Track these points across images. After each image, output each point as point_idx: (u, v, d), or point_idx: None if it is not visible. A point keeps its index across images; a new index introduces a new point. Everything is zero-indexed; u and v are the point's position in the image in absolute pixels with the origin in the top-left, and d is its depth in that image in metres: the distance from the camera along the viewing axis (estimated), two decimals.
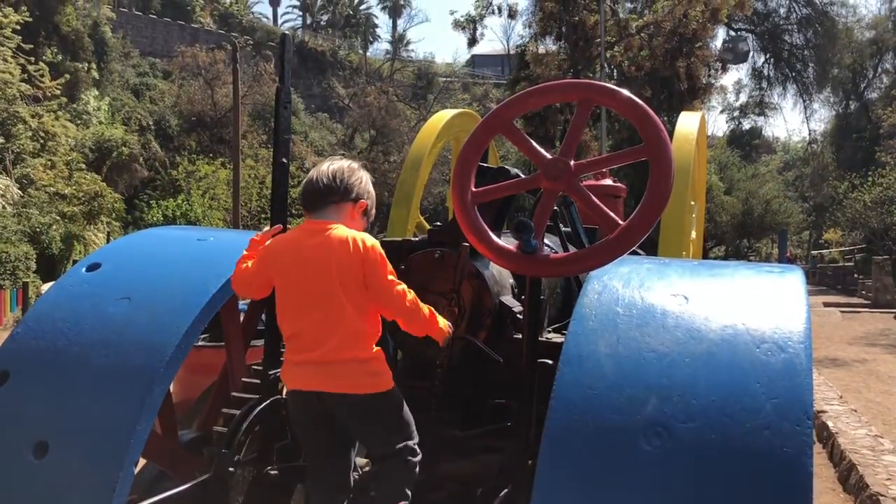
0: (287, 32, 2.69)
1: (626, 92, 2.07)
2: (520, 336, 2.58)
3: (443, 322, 2.38)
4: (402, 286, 2.28)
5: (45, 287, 20.97)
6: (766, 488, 1.66)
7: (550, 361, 2.34)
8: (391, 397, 2.30)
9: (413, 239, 2.94)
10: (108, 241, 25.44)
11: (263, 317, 2.79)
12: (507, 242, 2.17)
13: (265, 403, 2.37)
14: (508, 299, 2.67)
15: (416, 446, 2.34)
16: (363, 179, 2.47)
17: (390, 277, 2.26)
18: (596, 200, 2.02)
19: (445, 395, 2.62)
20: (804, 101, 45.99)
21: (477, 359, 2.62)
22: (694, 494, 1.70)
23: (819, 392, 9.96)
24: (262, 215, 29.62)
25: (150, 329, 2.29)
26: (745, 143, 53.06)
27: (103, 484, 2.05)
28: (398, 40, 69.08)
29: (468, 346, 2.58)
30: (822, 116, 52.17)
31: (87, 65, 36.66)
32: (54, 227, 22.32)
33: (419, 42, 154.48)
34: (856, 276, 34.80)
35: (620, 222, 1.97)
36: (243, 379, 2.65)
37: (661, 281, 2.21)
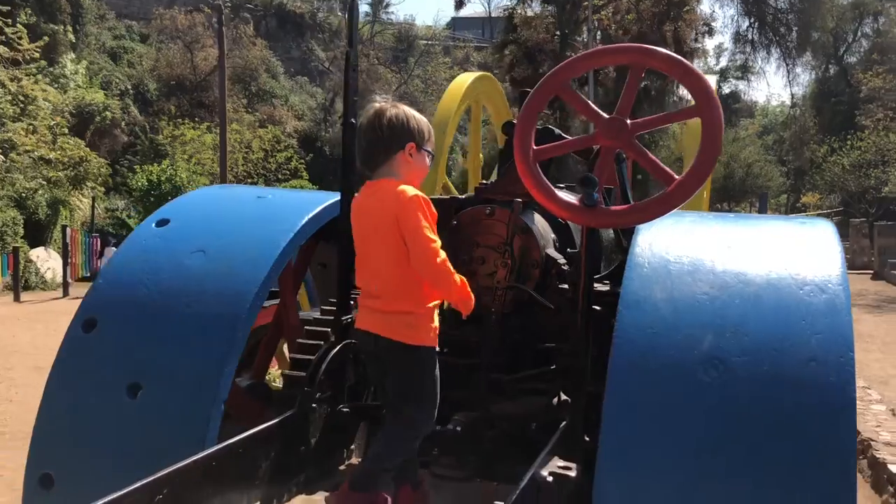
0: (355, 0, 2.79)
1: (678, 57, 2.24)
2: (565, 286, 2.77)
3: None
4: (436, 245, 2.22)
5: (34, 252, 20.94)
6: (814, 413, 1.87)
7: (599, 308, 2.54)
8: (421, 356, 2.29)
9: (460, 196, 3.11)
10: (92, 205, 25.31)
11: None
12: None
13: (339, 347, 2.55)
14: (552, 252, 2.85)
15: (420, 427, 2.32)
16: (399, 118, 2.34)
17: (425, 232, 2.21)
18: (652, 156, 2.20)
19: (495, 341, 2.81)
20: (787, 65, 46.30)
21: (525, 307, 2.81)
22: (748, 419, 1.90)
23: None
24: (249, 180, 29.55)
25: (228, 280, 2.45)
26: (726, 108, 53.33)
27: (198, 419, 2.23)
28: (378, 2, 68.29)
29: (518, 294, 2.76)
30: (802, 80, 52.47)
31: (63, 27, 35.97)
32: (40, 192, 22.17)
33: (399, 4, 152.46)
34: None
35: (676, 177, 2.15)
36: (311, 326, 2.83)
37: (706, 231, 2.41)
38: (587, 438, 2.29)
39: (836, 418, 1.86)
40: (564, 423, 2.35)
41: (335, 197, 2.93)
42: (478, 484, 2.54)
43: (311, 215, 2.73)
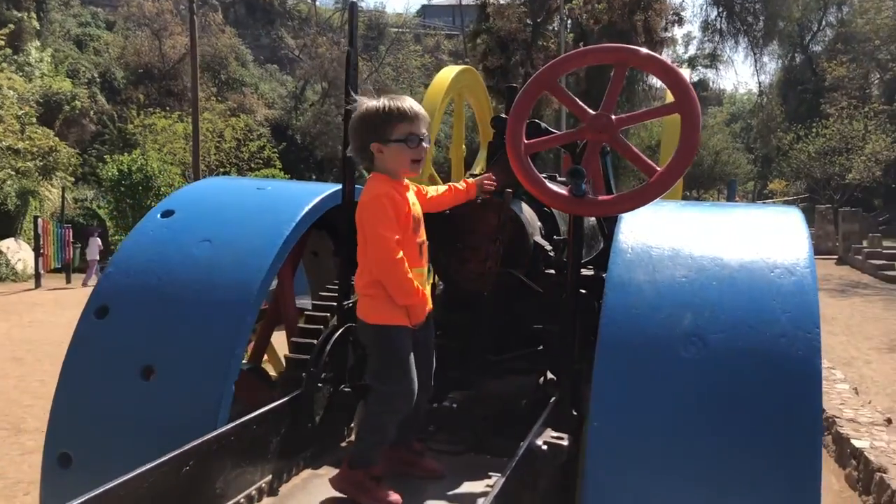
0: (355, 0, 2.92)
1: (659, 56, 2.41)
2: (551, 271, 2.94)
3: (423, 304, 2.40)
4: (387, 245, 2.28)
5: (4, 243, 20.70)
6: (784, 383, 2.06)
7: (584, 291, 2.71)
8: (383, 333, 2.36)
9: None
10: (62, 196, 25.03)
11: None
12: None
13: (340, 330, 2.70)
14: (539, 239, 3.01)
15: (393, 402, 2.36)
16: (357, 122, 2.40)
17: (377, 232, 2.29)
18: (636, 149, 2.37)
19: (486, 324, 2.97)
20: (754, 53, 46.99)
21: (514, 291, 2.97)
22: (725, 391, 2.08)
23: None
24: (221, 169, 29.36)
25: (234, 268, 2.58)
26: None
27: (211, 399, 2.36)
28: None
29: (508, 279, 2.92)
30: (769, 69, 53.27)
31: (27, 14, 35.37)
32: (8, 182, 21.89)
33: None
34: None
35: (658, 168, 2.32)
36: (311, 312, 2.97)
37: (684, 218, 2.59)
38: (575, 413, 2.46)
39: (803, 387, 2.04)
40: (554, 398, 2.52)
41: (331, 188, 3.07)
42: (471, 457, 2.69)
43: (310, 205, 2.86)
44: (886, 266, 20.44)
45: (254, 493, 2.33)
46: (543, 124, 3.00)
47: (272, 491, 2.42)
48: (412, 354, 2.39)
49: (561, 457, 2.13)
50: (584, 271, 2.87)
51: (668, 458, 2.03)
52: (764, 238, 2.42)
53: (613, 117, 2.39)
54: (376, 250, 2.31)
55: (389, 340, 2.36)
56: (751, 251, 2.36)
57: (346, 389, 2.71)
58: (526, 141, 2.46)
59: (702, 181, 42.65)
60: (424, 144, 2.42)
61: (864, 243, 23.64)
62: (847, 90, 36.47)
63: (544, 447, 2.11)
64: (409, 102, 2.42)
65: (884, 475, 4.88)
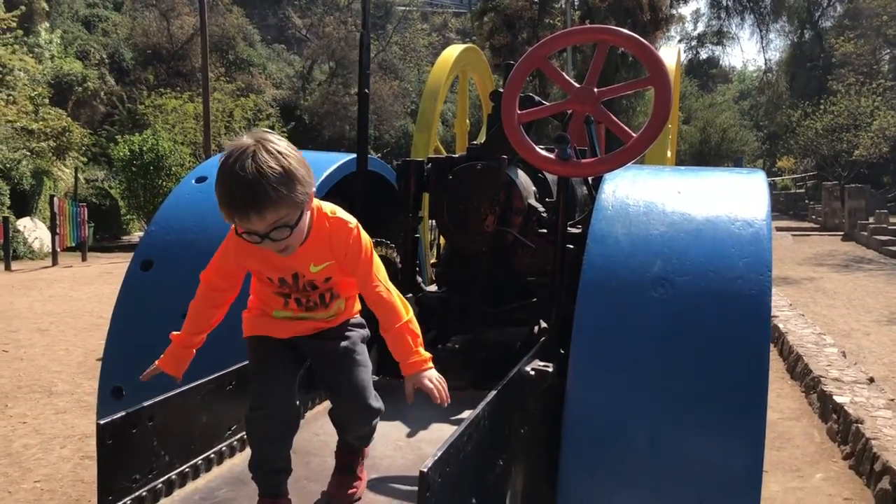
0: None
1: (636, 36, 2.73)
2: (544, 230, 3.28)
3: None
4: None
5: (20, 222, 21.14)
6: (739, 318, 2.39)
7: (572, 246, 3.05)
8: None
9: (454, 156, 3.59)
10: (76, 176, 25.44)
11: None
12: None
13: None
14: (533, 201, 3.35)
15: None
16: None
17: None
18: (614, 118, 2.69)
19: (485, 278, 3.32)
20: (761, 30, 46.86)
21: (510, 248, 3.32)
22: (689, 324, 2.42)
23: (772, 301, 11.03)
24: None
25: None
26: (703, 73, 53.89)
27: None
28: None
29: (504, 237, 3.26)
30: (777, 46, 53.18)
31: None
32: (24, 162, 22.30)
33: None
34: (807, 201, 36.30)
35: (633, 134, 2.64)
36: None
37: (659, 180, 2.92)
38: (562, 351, 2.81)
39: (755, 321, 2.38)
40: (544, 338, 2.87)
41: (346, 157, 3.40)
42: (471, 392, 3.04)
43: (329, 171, 3.20)
44: (891, 242, 20.65)
45: None
46: (537, 97, 3.33)
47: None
48: (269, 370, 2.05)
49: (547, 381, 2.48)
50: (573, 230, 3.21)
51: (639, 380, 2.37)
52: (728, 196, 2.75)
53: (596, 90, 2.71)
54: None
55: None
56: (716, 208, 2.69)
57: None
58: (519, 112, 2.79)
59: (709, 159, 42.77)
60: (270, 241, 1.82)
61: (871, 220, 23.83)
62: (855, 66, 36.44)
63: (532, 373, 2.45)
64: (238, 186, 1.74)
65: (860, 426, 5.22)
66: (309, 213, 1.91)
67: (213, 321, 2.17)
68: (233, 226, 1.89)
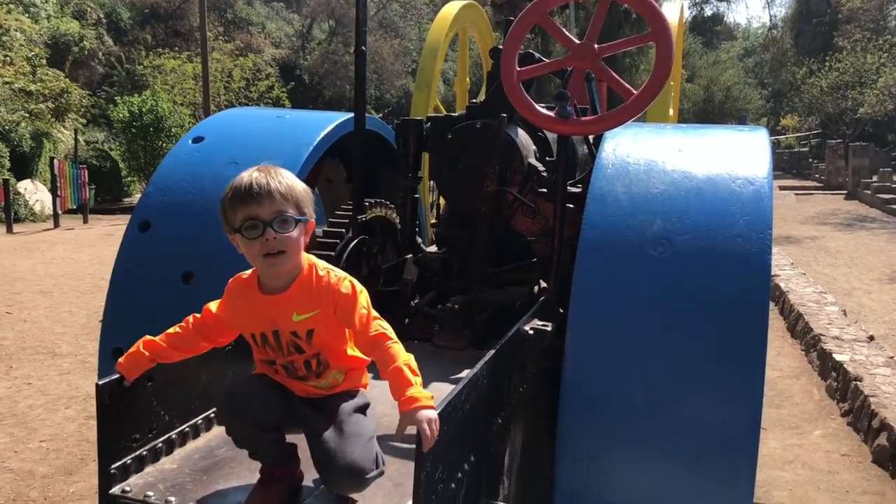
0: None
1: None
2: (544, 190, 3.25)
3: None
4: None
5: (21, 184, 21.08)
6: (739, 276, 2.38)
7: (572, 205, 3.03)
8: None
9: (454, 115, 3.55)
10: (75, 137, 25.30)
11: None
12: None
13: (355, 240, 3.04)
14: (533, 161, 3.32)
15: None
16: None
17: None
18: (615, 75, 2.65)
19: (485, 238, 3.30)
20: None
21: (509, 208, 3.29)
22: (688, 282, 2.41)
23: (773, 260, 11.07)
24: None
25: None
26: (707, 30, 53.14)
27: None
28: None
29: (504, 197, 3.24)
30: (782, 2, 52.33)
31: None
32: (23, 124, 22.16)
33: None
34: (810, 160, 36.07)
35: (634, 91, 2.61)
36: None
37: (659, 138, 2.88)
38: (561, 310, 2.81)
39: (755, 279, 2.37)
40: (543, 298, 2.87)
41: (344, 116, 3.37)
42: (470, 352, 3.05)
43: (326, 131, 3.17)
44: (894, 200, 20.57)
45: None
46: (537, 54, 3.28)
47: None
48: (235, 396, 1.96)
49: (546, 340, 2.48)
50: (573, 189, 3.18)
51: (637, 338, 2.37)
52: (730, 154, 2.72)
53: (596, 46, 2.67)
54: None
55: None
56: (717, 166, 2.67)
57: None
58: (518, 69, 2.74)
59: (713, 117, 42.39)
60: (272, 231, 1.81)
61: (874, 178, 23.70)
62: (861, 22, 35.88)
63: (531, 332, 2.45)
64: (253, 176, 1.84)
65: (859, 383, 5.25)
66: (306, 239, 1.93)
67: (197, 350, 2.08)
68: (231, 284, 2.03)
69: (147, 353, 2.00)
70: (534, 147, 3.42)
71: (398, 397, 1.70)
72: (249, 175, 1.85)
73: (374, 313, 1.90)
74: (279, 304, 1.91)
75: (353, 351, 2.01)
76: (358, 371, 2.06)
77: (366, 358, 2.02)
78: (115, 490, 1.93)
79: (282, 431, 1.97)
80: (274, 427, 1.94)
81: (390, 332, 1.87)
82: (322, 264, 1.97)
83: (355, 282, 1.93)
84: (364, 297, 1.91)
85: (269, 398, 1.94)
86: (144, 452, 2.03)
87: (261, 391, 1.95)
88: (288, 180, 1.87)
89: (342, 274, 1.95)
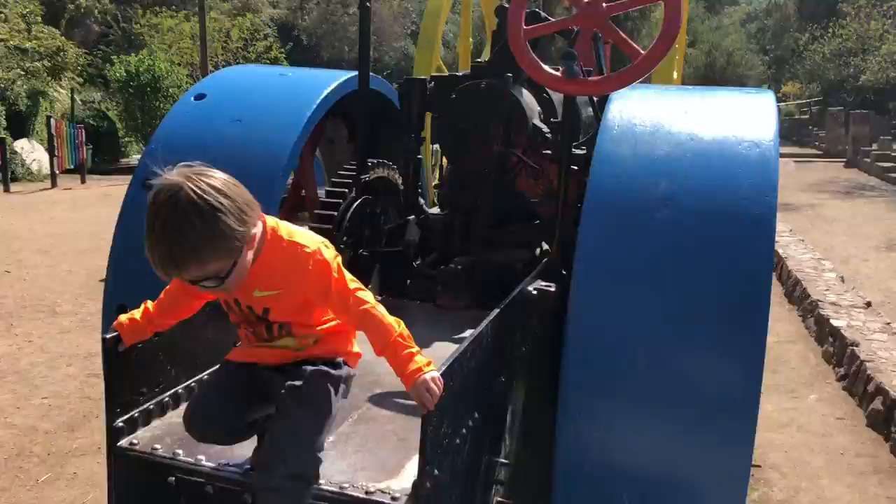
0: None
1: None
2: (548, 151, 3.24)
3: None
4: None
5: (18, 144, 20.93)
6: (743, 238, 2.38)
7: (576, 168, 3.02)
8: None
9: (458, 74, 3.52)
10: (72, 96, 25.07)
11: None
12: None
13: (359, 200, 3.03)
14: (538, 122, 3.30)
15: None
16: None
17: None
18: (623, 34, 2.63)
19: (489, 199, 3.30)
20: None
21: (513, 169, 3.29)
22: (692, 243, 2.41)
23: None
24: None
25: (264, 144, 2.90)
26: None
27: None
28: None
29: (508, 158, 3.23)
30: None
31: None
32: (18, 82, 21.91)
33: None
34: (811, 127, 35.88)
35: (642, 52, 2.58)
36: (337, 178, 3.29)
37: (666, 100, 2.86)
38: (565, 272, 2.81)
39: (759, 242, 2.37)
40: (546, 259, 2.87)
41: (348, 74, 3.34)
42: (474, 312, 3.06)
43: (329, 90, 3.15)
44: (893, 169, 20.51)
45: None
46: (543, 13, 3.24)
47: None
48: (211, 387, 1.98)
49: (549, 301, 2.49)
50: (578, 151, 3.17)
51: (640, 299, 2.38)
52: (736, 117, 2.70)
53: (604, 4, 2.64)
54: None
55: None
56: (723, 128, 2.65)
57: (365, 254, 3.06)
58: (525, 27, 2.72)
59: (714, 83, 42.07)
60: (204, 287, 1.65)
61: (874, 146, 23.61)
62: None
63: (535, 292, 2.46)
64: (158, 251, 1.58)
65: (855, 349, 5.29)
66: (252, 249, 1.66)
67: (192, 309, 2.01)
68: None
69: (143, 322, 1.94)
70: (538, 108, 3.40)
71: (400, 374, 1.65)
72: (156, 230, 1.57)
73: (350, 280, 1.77)
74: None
75: (327, 317, 1.86)
76: (335, 335, 1.88)
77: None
78: (123, 443, 1.95)
79: (258, 419, 1.89)
80: (246, 426, 1.89)
81: (370, 300, 1.75)
82: (286, 230, 1.76)
83: (322, 249, 1.75)
84: (335, 266, 1.75)
85: (231, 409, 1.84)
86: (151, 406, 2.05)
87: (221, 403, 1.84)
88: (203, 230, 1.54)
89: (307, 240, 1.76)
